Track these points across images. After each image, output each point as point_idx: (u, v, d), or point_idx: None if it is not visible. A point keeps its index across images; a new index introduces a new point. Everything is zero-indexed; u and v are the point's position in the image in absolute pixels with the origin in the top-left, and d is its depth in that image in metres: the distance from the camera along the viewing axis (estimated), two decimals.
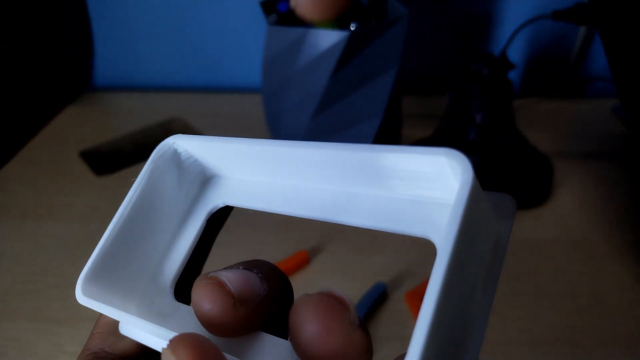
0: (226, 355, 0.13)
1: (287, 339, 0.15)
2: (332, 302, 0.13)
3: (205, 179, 0.19)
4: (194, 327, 0.16)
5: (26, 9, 0.67)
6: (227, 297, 0.14)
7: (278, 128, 0.53)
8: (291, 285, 0.17)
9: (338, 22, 0.49)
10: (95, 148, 0.61)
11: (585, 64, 0.74)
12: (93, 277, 0.16)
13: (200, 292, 0.14)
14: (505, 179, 0.52)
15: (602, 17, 0.39)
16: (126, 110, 0.73)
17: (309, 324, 0.13)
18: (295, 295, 0.16)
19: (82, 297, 0.15)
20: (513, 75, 0.76)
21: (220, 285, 0.14)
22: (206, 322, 0.14)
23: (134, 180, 0.17)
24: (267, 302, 0.15)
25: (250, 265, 0.15)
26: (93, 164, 0.58)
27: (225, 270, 0.15)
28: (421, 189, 0.14)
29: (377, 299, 0.41)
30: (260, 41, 0.74)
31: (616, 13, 0.36)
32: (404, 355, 0.11)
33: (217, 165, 0.18)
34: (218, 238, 0.20)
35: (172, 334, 0.13)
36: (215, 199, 0.18)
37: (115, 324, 0.17)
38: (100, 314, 0.17)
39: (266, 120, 0.55)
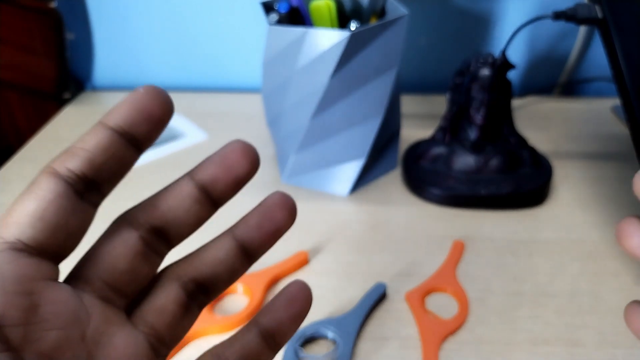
0: None
1: None
2: None
3: None
4: None
5: (26, 8, 0.67)
6: None
7: (278, 128, 0.53)
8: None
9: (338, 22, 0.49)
10: None
11: (585, 64, 0.74)
12: None
13: None
14: (505, 179, 0.52)
15: (602, 17, 0.39)
16: None
17: None
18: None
19: None
20: (513, 75, 0.76)
21: None
22: None
23: None
24: None
25: None
26: None
27: None
28: None
29: (377, 299, 0.41)
30: (260, 41, 0.74)
31: (616, 13, 0.36)
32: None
33: None
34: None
35: None
36: None
37: (36, 215, 0.15)
38: (19, 202, 0.16)
39: (266, 120, 0.55)
